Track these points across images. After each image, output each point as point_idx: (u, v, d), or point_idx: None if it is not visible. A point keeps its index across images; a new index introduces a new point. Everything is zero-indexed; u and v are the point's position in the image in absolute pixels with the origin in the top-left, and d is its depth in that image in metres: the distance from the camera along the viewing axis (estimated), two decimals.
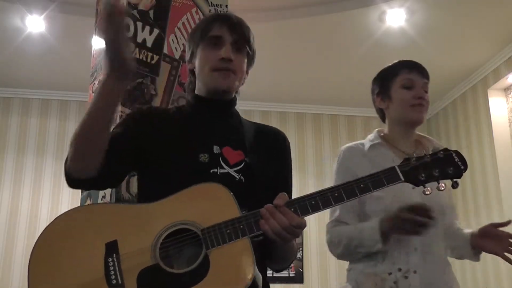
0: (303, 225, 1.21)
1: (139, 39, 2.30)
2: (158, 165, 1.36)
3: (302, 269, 5.28)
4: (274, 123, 5.71)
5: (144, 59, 2.30)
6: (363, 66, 4.75)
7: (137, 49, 2.29)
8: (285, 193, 1.24)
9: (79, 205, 2.24)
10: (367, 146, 1.90)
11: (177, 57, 2.49)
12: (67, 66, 4.72)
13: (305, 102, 5.68)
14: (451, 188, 1.41)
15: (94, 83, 2.65)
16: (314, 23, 4.23)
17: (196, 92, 1.50)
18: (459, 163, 1.29)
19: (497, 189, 4.61)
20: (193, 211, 1.23)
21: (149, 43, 2.33)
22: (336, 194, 1.23)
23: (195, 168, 1.34)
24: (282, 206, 1.20)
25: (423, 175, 1.28)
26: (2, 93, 5.37)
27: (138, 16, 2.32)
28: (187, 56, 1.54)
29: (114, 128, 1.41)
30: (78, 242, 1.22)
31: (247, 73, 1.52)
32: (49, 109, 5.35)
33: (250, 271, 1.16)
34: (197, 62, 1.47)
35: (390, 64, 2.04)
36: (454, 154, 1.31)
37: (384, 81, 1.99)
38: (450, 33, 4.32)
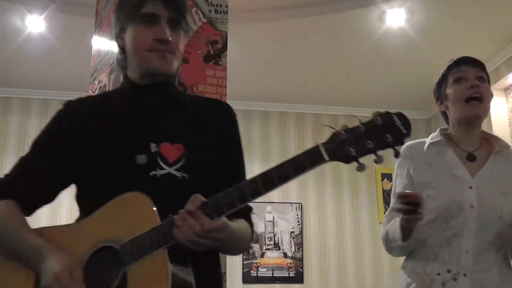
0: (217, 228, 1.10)
1: None
2: (93, 173, 1.26)
3: (302, 269, 5.28)
4: (274, 123, 5.71)
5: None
6: (363, 66, 4.76)
7: None
8: (199, 195, 1.12)
9: None
10: (427, 144, 1.85)
11: None
12: (67, 66, 4.72)
13: (305, 102, 5.68)
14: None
15: (94, 83, 2.65)
16: (314, 23, 4.22)
17: (128, 74, 1.38)
18: (401, 127, 1.03)
19: None
20: (117, 226, 1.15)
21: None
22: (253, 188, 1.09)
23: (133, 173, 1.23)
24: (193, 211, 1.09)
25: (352, 149, 1.03)
26: (2, 93, 5.37)
27: None
28: (115, 31, 1.39)
29: (33, 153, 1.34)
30: (6, 274, 1.22)
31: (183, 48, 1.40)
32: (49, 109, 5.34)
33: (164, 285, 1.08)
34: (128, 40, 1.34)
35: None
36: (395, 117, 1.04)
37: (439, 84, 1.93)
38: (450, 33, 4.32)
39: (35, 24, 4.17)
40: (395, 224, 1.72)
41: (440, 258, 1.71)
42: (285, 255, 5.30)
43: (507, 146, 1.84)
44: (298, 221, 5.42)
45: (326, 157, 1.06)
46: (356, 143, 1.04)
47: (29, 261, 1.21)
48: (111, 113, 1.33)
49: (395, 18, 4.13)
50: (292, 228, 5.40)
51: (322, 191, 5.55)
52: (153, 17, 1.30)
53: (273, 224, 5.39)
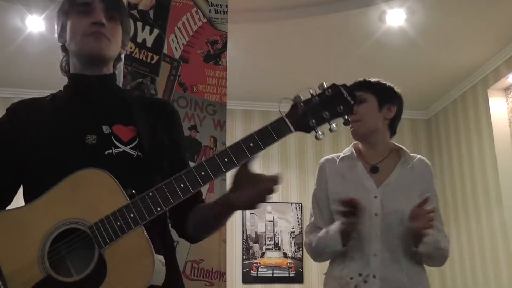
0: None
1: (139, 39, 2.30)
2: (43, 160, 1.23)
3: (302, 269, 5.29)
4: None
5: (144, 59, 2.30)
6: (363, 66, 4.75)
7: (137, 49, 2.29)
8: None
9: None
10: (339, 158, 2.05)
11: (177, 57, 2.49)
12: None
13: None
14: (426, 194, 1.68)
15: None
16: (314, 23, 4.22)
17: (71, 70, 1.39)
18: (349, 98, 1.19)
19: (497, 189, 4.61)
20: (77, 206, 1.10)
21: (149, 43, 2.34)
22: (226, 160, 1.13)
23: (83, 152, 1.22)
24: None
25: (313, 120, 1.16)
26: (2, 93, 5.36)
27: (138, 16, 2.32)
28: (57, 31, 1.40)
29: None
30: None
31: (123, 45, 1.42)
32: None
33: (150, 263, 1.06)
34: (68, 34, 1.35)
35: None
36: (343, 89, 1.20)
37: None
38: (450, 33, 4.32)
39: (35, 24, 4.17)
40: (330, 233, 1.89)
41: (354, 262, 1.88)
42: (285, 255, 5.30)
43: (411, 156, 2.03)
44: (298, 221, 5.42)
45: (292, 128, 1.15)
46: (315, 114, 1.16)
47: None
48: (60, 103, 1.35)
49: (395, 18, 4.13)
50: (292, 228, 5.40)
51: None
52: (88, 6, 1.32)
53: (273, 224, 5.39)
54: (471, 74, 4.97)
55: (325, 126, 1.19)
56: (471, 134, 5.08)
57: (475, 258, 4.83)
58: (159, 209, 1.11)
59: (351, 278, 1.85)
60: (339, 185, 1.99)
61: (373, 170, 1.98)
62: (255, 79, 5.04)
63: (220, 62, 2.63)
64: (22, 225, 1.10)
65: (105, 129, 1.26)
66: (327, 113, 1.16)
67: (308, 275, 5.29)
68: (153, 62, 2.33)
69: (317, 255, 1.99)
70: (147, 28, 2.34)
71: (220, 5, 2.66)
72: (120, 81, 2.19)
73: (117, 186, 1.11)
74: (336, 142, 5.63)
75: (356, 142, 2.10)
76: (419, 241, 1.83)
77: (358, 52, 4.54)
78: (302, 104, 1.17)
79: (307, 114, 1.16)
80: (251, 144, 1.13)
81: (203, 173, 1.12)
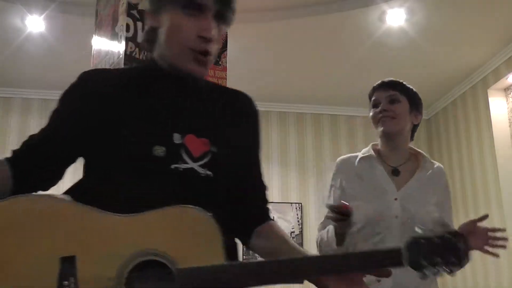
0: None
1: (139, 39, 2.30)
2: (104, 157, 1.13)
3: None
4: (274, 123, 5.71)
5: (144, 59, 2.30)
6: (363, 66, 4.76)
7: (137, 49, 2.29)
8: None
9: None
10: (357, 159, 2.04)
11: None
12: (67, 66, 4.71)
13: (305, 102, 5.68)
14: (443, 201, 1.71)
15: None
16: (314, 23, 4.22)
17: (155, 56, 1.23)
18: (462, 254, 1.08)
19: (497, 189, 4.61)
20: (166, 239, 0.99)
21: None
22: (331, 265, 1.06)
23: (148, 164, 1.10)
24: None
25: (425, 262, 1.07)
26: (2, 93, 5.37)
27: (138, 16, 2.31)
28: (150, 6, 1.23)
29: (46, 128, 1.20)
30: (24, 247, 0.94)
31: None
32: (49, 109, 5.29)
33: None
34: (166, 26, 1.18)
35: None
36: (461, 244, 1.07)
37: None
38: (450, 33, 4.32)
39: (35, 24, 4.17)
40: (330, 231, 1.88)
41: None
42: None
43: (432, 163, 2.04)
44: (298, 221, 5.42)
45: (405, 263, 1.06)
46: (430, 257, 1.06)
47: None
48: (133, 93, 1.19)
49: (395, 18, 4.13)
50: (292, 228, 5.40)
51: (322, 191, 5.55)
52: (200, 8, 1.15)
53: None
54: (471, 74, 4.97)
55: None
56: (471, 134, 5.08)
57: (475, 258, 4.82)
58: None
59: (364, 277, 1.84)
60: (356, 185, 1.97)
61: (395, 172, 1.98)
62: (255, 79, 5.04)
63: (220, 62, 2.62)
64: (110, 234, 0.99)
65: (176, 138, 1.13)
66: (441, 260, 1.06)
67: None
68: None
69: (324, 252, 1.97)
70: None
71: None
72: None
73: (219, 237, 0.99)
74: (336, 142, 5.63)
75: (375, 143, 2.08)
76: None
77: (358, 52, 4.54)
78: (423, 240, 1.08)
79: (424, 255, 1.07)
80: (356, 263, 1.09)
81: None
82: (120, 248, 0.97)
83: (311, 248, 5.40)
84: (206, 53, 1.15)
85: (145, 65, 1.28)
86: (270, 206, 1.31)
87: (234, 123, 1.24)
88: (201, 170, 1.12)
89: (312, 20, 4.19)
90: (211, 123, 1.20)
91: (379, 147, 2.06)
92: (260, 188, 1.29)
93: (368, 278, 1.77)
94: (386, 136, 2.02)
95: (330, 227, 1.89)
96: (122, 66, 2.22)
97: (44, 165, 1.16)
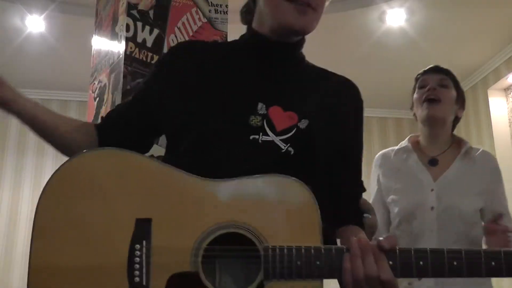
0: (391, 285, 0.86)
1: (139, 39, 2.30)
2: (192, 123, 1.06)
3: None
4: None
5: (144, 59, 2.30)
6: (363, 66, 4.75)
7: (137, 49, 2.29)
8: (395, 237, 0.91)
9: None
10: (394, 151, 1.97)
11: None
12: (67, 66, 4.72)
13: None
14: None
15: (94, 83, 2.65)
16: None
17: (255, 26, 1.15)
18: None
19: None
20: (258, 213, 0.89)
21: (149, 43, 2.33)
22: (455, 263, 0.87)
23: (232, 131, 1.04)
24: (385, 249, 0.87)
25: None
26: None
27: (138, 16, 2.31)
28: None
29: (143, 86, 1.18)
30: (100, 203, 0.89)
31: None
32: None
33: None
34: None
35: None
36: None
37: (412, 93, 2.04)
38: (450, 33, 4.32)
39: (35, 24, 4.17)
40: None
41: None
42: None
43: (474, 149, 1.94)
44: None
45: None
46: None
47: None
48: (228, 64, 1.14)
49: (395, 18, 4.13)
50: None
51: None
52: None
53: None
54: (471, 74, 4.97)
55: None
56: (471, 134, 5.08)
57: None
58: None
59: None
60: (393, 179, 1.90)
61: (432, 162, 1.89)
62: None
63: None
64: (192, 200, 0.90)
65: (260, 107, 1.05)
66: None
67: None
68: (153, 62, 2.33)
69: None
70: (147, 28, 2.33)
71: (220, 5, 2.66)
72: (120, 82, 2.19)
73: (317, 217, 0.90)
74: None
75: (413, 134, 2.01)
76: None
77: (358, 52, 4.54)
78: None
79: None
80: (493, 264, 0.89)
81: (422, 263, 0.88)
82: (201, 215, 0.88)
83: None
84: (307, 3, 1.07)
85: (240, 38, 1.21)
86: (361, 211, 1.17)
87: (334, 107, 1.13)
88: (282, 145, 1.03)
89: None
90: (303, 98, 1.11)
91: (418, 138, 1.98)
92: (353, 187, 1.16)
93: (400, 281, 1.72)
94: (429, 121, 1.91)
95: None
96: (122, 66, 2.22)
97: (131, 135, 1.15)
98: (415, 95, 1.97)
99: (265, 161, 1.01)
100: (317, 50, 5.04)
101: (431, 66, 2.02)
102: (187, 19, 2.58)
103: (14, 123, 5.34)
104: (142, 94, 1.19)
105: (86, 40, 3.25)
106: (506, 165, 4.60)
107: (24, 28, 4.22)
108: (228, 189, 0.91)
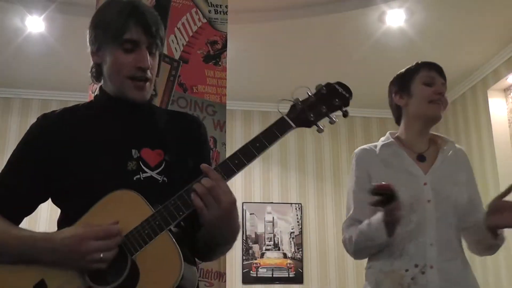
0: (226, 186, 1.20)
1: None
2: (77, 183, 1.30)
3: (302, 269, 5.28)
4: None
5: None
6: (363, 66, 4.76)
7: None
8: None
9: None
10: (378, 147, 1.97)
11: (177, 57, 2.49)
12: (67, 66, 4.72)
13: None
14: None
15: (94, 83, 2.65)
16: (314, 23, 4.23)
17: (104, 87, 1.43)
18: (344, 92, 1.30)
19: (497, 189, 4.61)
20: (109, 222, 1.22)
21: None
22: (236, 162, 1.22)
23: (119, 178, 1.29)
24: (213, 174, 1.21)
25: (311, 115, 1.29)
26: (2, 93, 5.37)
27: None
28: (92, 46, 1.44)
29: (11, 168, 1.37)
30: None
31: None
32: (49, 109, 5.31)
33: (178, 262, 1.16)
34: (108, 62, 1.38)
35: (409, 66, 2.12)
36: (337, 86, 1.31)
37: (404, 79, 2.05)
38: (450, 33, 4.33)
39: (35, 24, 4.17)
40: (372, 224, 1.77)
41: (406, 254, 1.77)
42: (285, 256, 5.31)
43: (452, 142, 1.99)
44: (298, 222, 5.42)
45: (292, 124, 1.28)
46: (313, 109, 1.28)
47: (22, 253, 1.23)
48: (90, 123, 1.38)
49: (395, 19, 4.13)
50: (292, 229, 5.40)
51: (322, 192, 5.55)
52: (135, 43, 1.33)
53: (273, 224, 5.39)
54: (471, 74, 4.97)
55: (325, 121, 1.30)
56: (470, 135, 5.08)
57: (475, 258, 4.83)
58: (181, 213, 1.19)
59: (406, 270, 1.75)
60: (383, 173, 1.88)
61: (421, 158, 1.92)
62: (255, 79, 5.04)
63: (220, 63, 2.63)
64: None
65: (134, 153, 1.32)
66: (324, 107, 1.28)
67: (308, 275, 5.29)
68: None
69: (359, 250, 1.88)
70: None
71: (220, 5, 2.66)
72: None
73: (143, 200, 1.22)
74: (336, 143, 5.63)
75: (392, 131, 2.02)
76: (496, 235, 1.75)
77: (357, 52, 4.54)
78: (300, 103, 1.30)
79: (306, 111, 1.29)
80: (258, 144, 1.24)
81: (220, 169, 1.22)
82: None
83: (310, 248, 5.42)
84: (145, 79, 1.34)
85: (95, 97, 1.47)
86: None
87: (183, 137, 1.41)
88: (158, 177, 1.31)
89: (311, 20, 4.19)
90: (162, 136, 1.37)
91: (398, 134, 2.00)
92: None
93: (412, 271, 1.72)
94: (429, 121, 1.96)
95: (372, 219, 1.78)
96: None
97: (13, 208, 1.33)
98: (420, 91, 1.98)
99: (150, 192, 1.25)
100: (317, 51, 5.07)
101: (434, 63, 2.06)
102: (187, 20, 2.58)
103: (14, 123, 5.34)
104: (15, 180, 1.35)
105: (86, 40, 3.25)
106: (506, 165, 4.60)
107: (24, 29, 4.23)
108: (87, 219, 1.24)
